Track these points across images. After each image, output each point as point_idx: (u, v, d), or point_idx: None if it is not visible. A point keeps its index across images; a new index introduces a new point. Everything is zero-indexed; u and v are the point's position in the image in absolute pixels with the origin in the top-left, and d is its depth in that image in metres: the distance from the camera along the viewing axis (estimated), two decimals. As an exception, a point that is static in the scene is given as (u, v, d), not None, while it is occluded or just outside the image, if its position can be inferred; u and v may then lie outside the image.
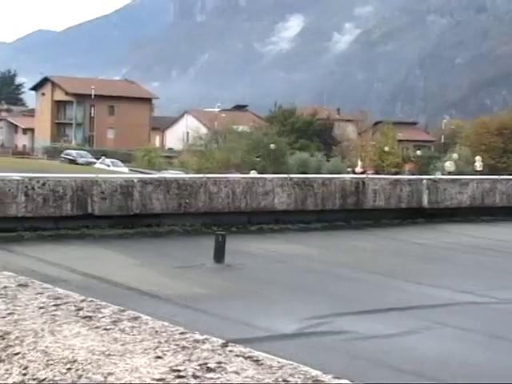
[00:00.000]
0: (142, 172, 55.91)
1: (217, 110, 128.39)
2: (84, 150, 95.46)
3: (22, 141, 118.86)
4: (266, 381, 1.77)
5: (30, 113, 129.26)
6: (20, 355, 1.96)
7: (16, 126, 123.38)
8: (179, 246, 9.70)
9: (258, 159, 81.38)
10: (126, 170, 71.18)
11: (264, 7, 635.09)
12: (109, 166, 75.20)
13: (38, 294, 2.49)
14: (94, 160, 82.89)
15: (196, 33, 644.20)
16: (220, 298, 7.31)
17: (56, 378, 1.82)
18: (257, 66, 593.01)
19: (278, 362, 1.89)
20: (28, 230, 8.60)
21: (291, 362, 1.89)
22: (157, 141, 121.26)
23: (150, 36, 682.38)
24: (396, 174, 64.52)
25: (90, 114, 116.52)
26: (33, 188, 8.66)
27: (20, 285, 2.61)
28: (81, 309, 2.30)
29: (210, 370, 1.83)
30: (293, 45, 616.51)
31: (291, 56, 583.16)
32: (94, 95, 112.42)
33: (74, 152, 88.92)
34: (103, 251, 8.68)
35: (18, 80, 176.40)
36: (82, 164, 77.40)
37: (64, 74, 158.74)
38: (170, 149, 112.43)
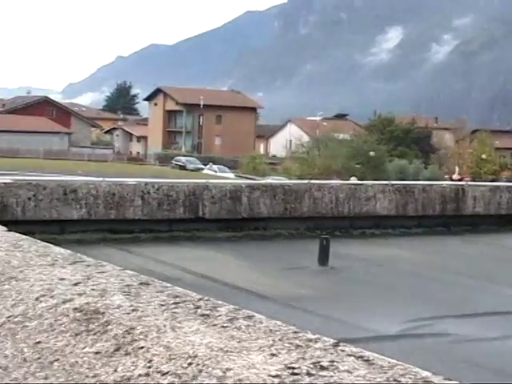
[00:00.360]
0: (247, 178, 56.27)
1: (318, 118, 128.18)
2: (193, 156, 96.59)
3: (136, 148, 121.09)
4: (378, 380, 1.76)
5: (144, 122, 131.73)
6: (144, 349, 1.99)
7: (131, 134, 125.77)
8: (285, 248, 9.70)
9: (357, 166, 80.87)
10: (232, 175, 71.69)
11: (365, 20, 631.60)
12: (216, 171, 75.85)
13: (159, 292, 2.53)
14: (202, 166, 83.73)
15: (299, 45, 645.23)
16: (324, 298, 7.30)
17: (178, 372, 1.84)
18: (357, 77, 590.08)
19: (389, 362, 1.87)
20: (144, 231, 8.76)
21: (401, 363, 1.87)
22: (261, 148, 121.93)
23: (255, 48, 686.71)
24: (493, 181, 63.20)
25: (199, 122, 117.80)
26: (148, 192, 8.81)
27: (141, 283, 2.65)
28: (198, 307, 2.32)
29: (323, 368, 1.83)
30: (392, 56, 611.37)
31: (390, 66, 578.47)
32: (203, 105, 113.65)
33: (183, 158, 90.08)
34: (213, 253, 8.75)
35: (133, 91, 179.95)
36: (191, 170, 78.29)
37: (175, 85, 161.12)
38: (273, 156, 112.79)
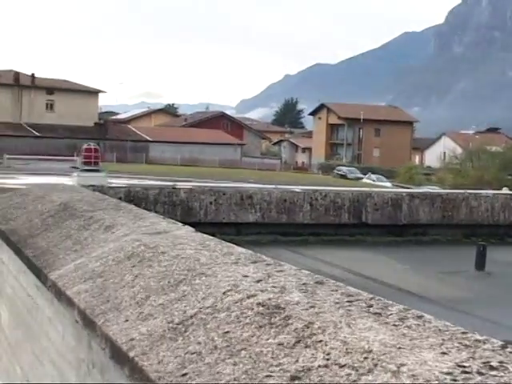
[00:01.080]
0: (403, 187, 55.47)
1: (471, 132, 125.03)
2: (353, 166, 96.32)
3: (301, 158, 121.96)
4: (548, 383, 1.68)
5: (308, 134, 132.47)
6: (322, 343, 1.99)
7: (296, 145, 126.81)
8: (442, 253, 9.47)
9: (509, 177, 78.04)
10: (389, 184, 70.89)
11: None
12: (374, 180, 75.24)
13: (333, 291, 2.52)
14: (361, 175, 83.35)
15: (454, 63, 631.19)
16: (482, 302, 7.07)
17: (355, 365, 1.83)
18: (510, 92, 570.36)
19: (558, 367, 1.79)
20: (312, 235, 8.77)
21: None
22: (416, 159, 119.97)
23: (412, 67, 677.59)
24: None
25: (359, 135, 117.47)
26: (316, 199, 8.84)
27: (317, 282, 2.65)
28: (371, 306, 2.30)
29: (492, 368, 1.77)
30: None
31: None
32: (363, 119, 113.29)
33: (344, 168, 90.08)
34: (375, 256, 8.66)
35: (299, 106, 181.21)
36: (352, 179, 78.04)
37: (337, 101, 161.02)
38: (428, 167, 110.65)
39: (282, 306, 2.32)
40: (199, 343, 2.22)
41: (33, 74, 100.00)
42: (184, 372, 2.08)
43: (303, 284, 2.61)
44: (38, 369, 4.52)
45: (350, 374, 1.80)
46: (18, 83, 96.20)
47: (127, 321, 2.62)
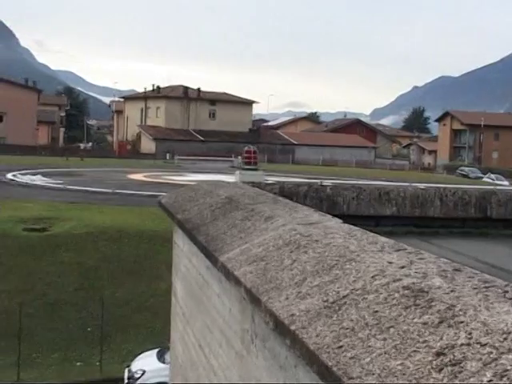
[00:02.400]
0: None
1: None
2: (474, 167, 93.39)
3: (427, 160, 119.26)
4: None
5: (434, 139, 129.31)
6: (464, 323, 1.92)
7: (423, 148, 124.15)
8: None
9: None
10: (506, 183, 68.04)
11: None
12: (493, 180, 72.53)
13: (470, 277, 2.43)
14: (482, 175, 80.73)
15: None
16: None
17: (495, 345, 1.76)
18: None
19: None
20: (441, 227, 8.53)
21: None
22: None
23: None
24: None
25: (479, 139, 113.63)
26: (446, 195, 8.60)
27: (455, 269, 2.57)
28: (506, 292, 2.20)
29: None
30: None
31: None
32: (483, 125, 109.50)
33: (466, 168, 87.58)
34: (499, 247, 8.33)
35: (426, 114, 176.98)
36: (473, 178, 75.59)
37: (460, 109, 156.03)
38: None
39: (425, 289, 2.27)
40: (352, 320, 2.20)
41: (198, 88, 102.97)
42: (340, 345, 2.07)
43: (443, 270, 2.53)
44: (207, 336, 4.63)
45: (491, 353, 1.73)
46: (186, 96, 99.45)
47: (287, 299, 2.63)
